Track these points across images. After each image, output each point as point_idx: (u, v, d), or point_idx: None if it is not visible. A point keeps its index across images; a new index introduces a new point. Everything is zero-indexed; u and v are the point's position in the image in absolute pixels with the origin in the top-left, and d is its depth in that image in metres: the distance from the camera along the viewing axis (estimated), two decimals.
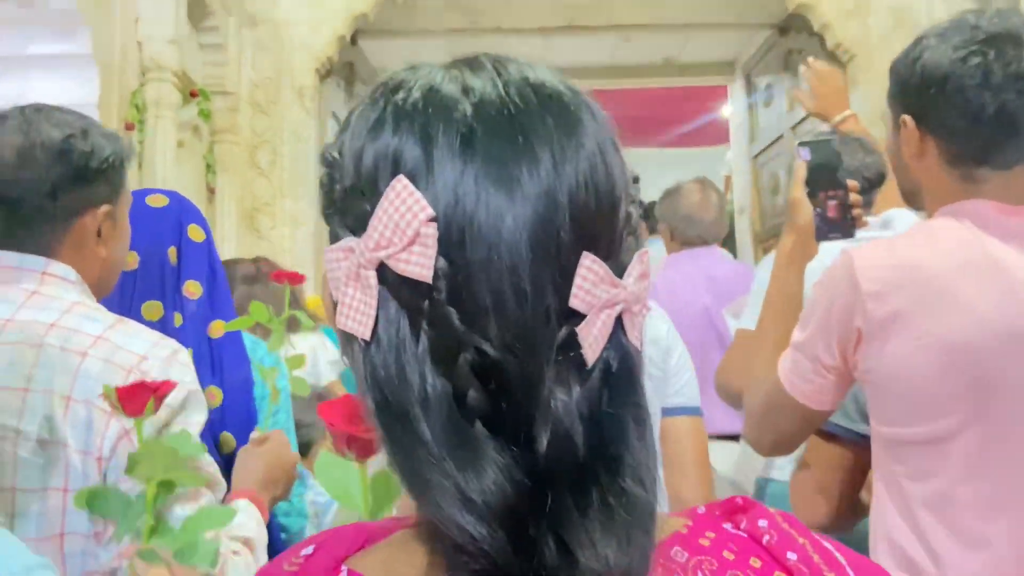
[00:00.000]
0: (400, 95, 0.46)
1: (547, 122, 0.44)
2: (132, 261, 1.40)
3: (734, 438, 2.28)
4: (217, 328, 1.45)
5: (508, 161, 0.43)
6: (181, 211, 1.48)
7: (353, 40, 4.95)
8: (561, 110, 0.45)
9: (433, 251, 0.42)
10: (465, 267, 0.42)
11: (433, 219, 0.42)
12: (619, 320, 0.45)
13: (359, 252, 0.44)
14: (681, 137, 8.81)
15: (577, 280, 0.43)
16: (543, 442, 0.41)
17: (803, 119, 4.52)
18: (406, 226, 0.42)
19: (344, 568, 0.47)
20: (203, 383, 1.32)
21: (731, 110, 5.83)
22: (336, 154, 0.48)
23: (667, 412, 1.49)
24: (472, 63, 0.48)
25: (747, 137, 5.34)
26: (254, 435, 1.32)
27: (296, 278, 1.36)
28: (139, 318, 1.36)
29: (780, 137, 4.81)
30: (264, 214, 3.92)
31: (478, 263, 0.42)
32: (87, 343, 1.06)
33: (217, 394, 1.40)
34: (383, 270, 0.43)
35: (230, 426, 1.40)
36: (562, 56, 5.59)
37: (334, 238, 0.47)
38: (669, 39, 5.36)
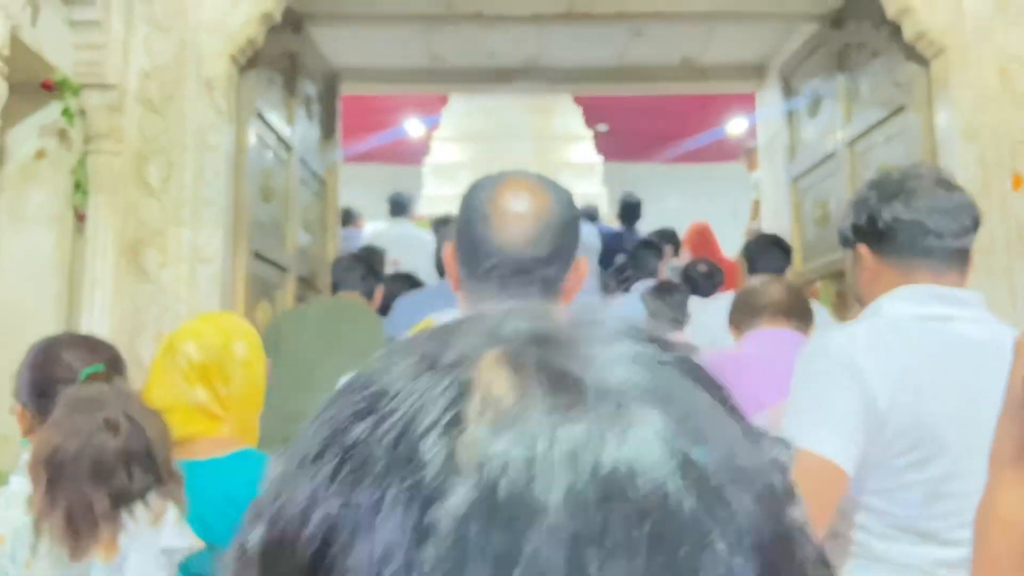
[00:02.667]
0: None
1: None
2: None
3: None
4: None
5: None
6: None
7: (298, 26, 4.00)
8: None
9: None
10: None
11: None
12: None
13: None
14: (694, 151, 7.90)
15: None
16: None
17: (866, 131, 3.53)
18: None
19: None
20: None
21: (761, 122, 4.87)
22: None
23: None
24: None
25: (784, 154, 4.36)
26: None
27: None
28: None
29: (832, 155, 3.81)
30: (152, 247, 2.92)
31: None
32: None
33: None
34: None
35: None
36: (559, 53, 4.65)
37: None
38: (689, 33, 4.42)
